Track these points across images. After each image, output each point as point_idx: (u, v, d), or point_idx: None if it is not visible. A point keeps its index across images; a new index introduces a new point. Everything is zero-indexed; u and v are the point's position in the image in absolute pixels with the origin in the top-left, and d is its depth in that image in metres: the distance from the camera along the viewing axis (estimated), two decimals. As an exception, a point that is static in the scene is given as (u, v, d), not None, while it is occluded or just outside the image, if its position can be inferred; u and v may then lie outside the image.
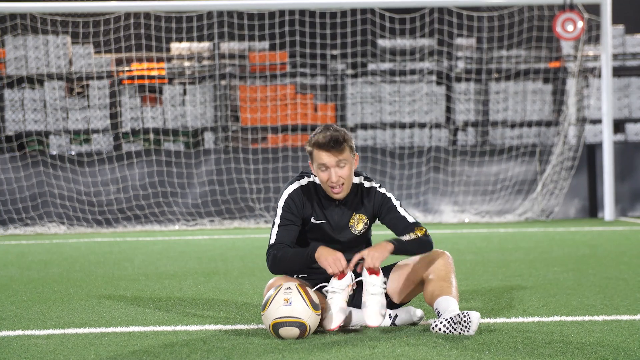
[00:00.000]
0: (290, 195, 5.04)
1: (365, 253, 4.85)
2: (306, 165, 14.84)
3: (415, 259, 5.05)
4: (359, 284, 5.01)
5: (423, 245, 4.99)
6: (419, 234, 4.98)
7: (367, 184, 5.13)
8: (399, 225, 5.05)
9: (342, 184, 4.96)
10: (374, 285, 4.85)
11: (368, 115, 16.11)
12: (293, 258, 4.90)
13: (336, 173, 4.92)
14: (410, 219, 5.06)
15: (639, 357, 4.16)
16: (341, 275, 4.84)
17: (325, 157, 4.91)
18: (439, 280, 4.88)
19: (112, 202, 14.91)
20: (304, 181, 5.09)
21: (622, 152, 15.50)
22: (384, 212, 5.08)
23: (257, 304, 5.94)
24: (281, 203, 5.04)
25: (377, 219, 5.15)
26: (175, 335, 4.84)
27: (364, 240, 5.17)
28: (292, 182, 5.10)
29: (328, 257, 4.81)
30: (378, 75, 16.21)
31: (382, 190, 5.12)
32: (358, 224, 5.09)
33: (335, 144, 4.89)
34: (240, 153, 15.31)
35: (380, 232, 12.78)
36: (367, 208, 5.10)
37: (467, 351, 4.30)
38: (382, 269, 5.18)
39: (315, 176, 5.10)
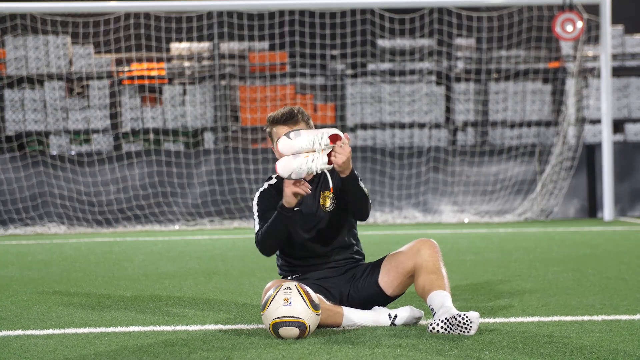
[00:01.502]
0: (261, 193, 5.22)
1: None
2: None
3: (401, 250, 5.09)
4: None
5: (366, 198, 5.02)
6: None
7: None
8: None
9: None
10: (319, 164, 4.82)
11: (368, 116, 16.12)
12: (271, 223, 5.00)
13: None
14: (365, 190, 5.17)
15: (638, 357, 4.17)
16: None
17: (281, 130, 5.09)
18: (428, 272, 4.92)
19: (112, 202, 14.92)
20: (272, 180, 5.25)
21: (622, 152, 15.50)
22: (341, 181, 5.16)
23: (257, 304, 5.94)
24: (255, 201, 5.23)
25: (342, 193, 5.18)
26: (175, 335, 4.85)
27: (340, 224, 5.20)
28: (261, 184, 5.29)
29: (288, 191, 4.88)
30: (378, 75, 16.21)
31: None
32: (325, 200, 5.20)
33: (290, 116, 5.09)
34: (240, 153, 15.32)
35: (379, 232, 12.78)
36: (328, 184, 5.19)
37: (467, 351, 4.31)
38: (371, 263, 5.20)
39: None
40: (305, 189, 4.89)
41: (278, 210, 4.97)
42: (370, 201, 5.11)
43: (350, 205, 5.09)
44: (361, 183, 5.02)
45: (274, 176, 5.25)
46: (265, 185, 5.23)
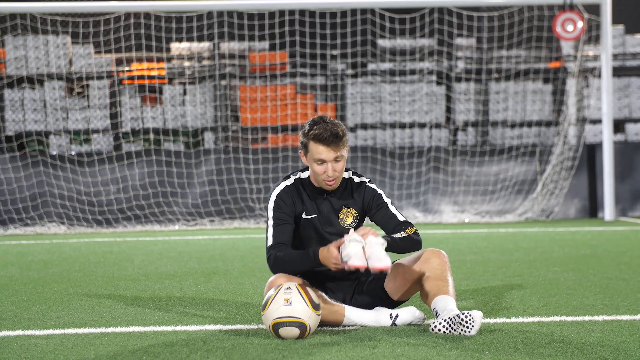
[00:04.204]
0: (279, 195, 5.06)
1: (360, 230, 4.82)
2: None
3: (410, 257, 5.09)
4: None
5: (413, 243, 5.00)
6: (409, 232, 5.01)
7: (357, 179, 5.18)
8: (390, 223, 5.09)
9: (337, 177, 5.00)
10: (374, 240, 4.75)
11: (368, 115, 16.11)
12: (297, 259, 4.90)
13: (333, 167, 4.95)
14: (401, 218, 5.11)
15: (639, 357, 4.16)
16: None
17: (323, 151, 4.92)
18: (435, 279, 4.90)
19: (112, 202, 14.91)
20: (290, 180, 5.13)
21: (622, 152, 15.49)
22: (374, 207, 5.12)
23: (257, 304, 5.94)
24: (271, 204, 5.06)
25: (367, 215, 5.17)
26: (175, 335, 4.84)
27: None
28: (279, 184, 5.13)
29: (330, 258, 4.80)
30: (378, 75, 16.21)
31: (373, 185, 5.18)
32: (347, 217, 5.13)
33: (335, 139, 4.90)
34: (240, 153, 15.31)
35: (379, 232, 12.78)
36: (357, 202, 5.14)
37: (467, 351, 4.30)
38: None
39: (301, 172, 5.16)
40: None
41: (310, 256, 4.85)
42: (411, 232, 5.02)
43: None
44: (398, 234, 4.95)
45: (293, 176, 5.15)
46: (282, 186, 5.09)
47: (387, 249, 4.86)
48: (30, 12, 15.05)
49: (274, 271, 4.97)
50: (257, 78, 15.97)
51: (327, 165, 4.94)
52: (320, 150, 4.91)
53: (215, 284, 7.10)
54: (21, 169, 14.86)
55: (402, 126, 16.07)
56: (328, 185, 5.00)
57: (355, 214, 5.12)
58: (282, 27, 15.64)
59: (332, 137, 4.88)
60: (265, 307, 4.69)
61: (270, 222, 5.02)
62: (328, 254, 4.78)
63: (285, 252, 4.93)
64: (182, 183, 15.14)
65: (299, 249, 5.12)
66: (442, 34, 16.03)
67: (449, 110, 16.28)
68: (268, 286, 4.95)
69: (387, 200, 5.15)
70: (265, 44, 16.06)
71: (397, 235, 4.96)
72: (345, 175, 5.17)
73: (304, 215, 5.07)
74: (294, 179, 5.13)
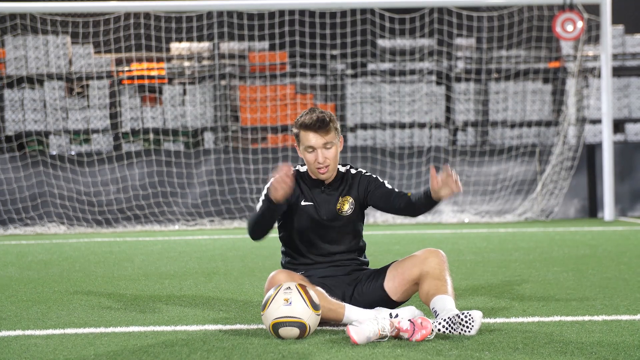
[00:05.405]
0: None
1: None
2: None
3: (409, 258, 5.11)
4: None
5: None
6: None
7: (353, 171, 5.29)
8: (390, 195, 5.15)
9: (328, 165, 5.10)
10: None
11: (368, 115, 16.11)
12: (258, 211, 5.01)
13: (323, 154, 5.07)
14: (397, 190, 5.20)
15: (638, 356, 4.16)
16: None
17: (312, 138, 5.05)
18: (434, 279, 4.93)
19: (112, 202, 14.91)
20: (293, 168, 5.25)
21: (622, 152, 15.49)
22: (372, 188, 5.21)
23: (257, 304, 5.94)
24: (268, 184, 5.15)
25: (367, 201, 5.21)
26: (175, 335, 4.84)
27: (353, 229, 5.24)
28: None
29: (272, 183, 4.84)
30: (378, 75, 16.21)
31: (368, 173, 5.29)
32: (344, 204, 5.21)
33: (321, 125, 5.04)
34: (240, 153, 15.31)
35: (379, 232, 12.78)
36: (353, 190, 5.23)
37: (467, 351, 4.31)
38: (378, 269, 5.22)
39: (301, 165, 5.29)
40: (285, 184, 4.80)
41: (265, 201, 4.96)
42: None
43: (415, 212, 5.07)
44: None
45: (297, 166, 5.29)
46: None
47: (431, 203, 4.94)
48: (30, 12, 15.05)
49: (250, 234, 5.08)
50: (257, 78, 15.97)
51: (317, 152, 5.07)
52: (309, 138, 5.05)
53: (215, 284, 7.11)
54: (21, 169, 14.86)
55: (402, 126, 16.08)
56: (321, 173, 5.12)
57: (351, 200, 5.21)
58: (282, 27, 15.64)
59: (318, 122, 5.02)
60: (265, 307, 4.70)
61: (264, 191, 5.13)
62: (272, 185, 4.81)
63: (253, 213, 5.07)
64: (182, 183, 15.14)
65: (296, 236, 5.21)
66: (442, 34, 16.03)
67: (448, 110, 16.28)
68: (268, 283, 4.98)
69: (383, 181, 5.26)
70: (265, 44, 16.06)
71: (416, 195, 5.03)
72: (343, 169, 5.27)
73: (302, 203, 5.18)
74: (294, 170, 5.24)
